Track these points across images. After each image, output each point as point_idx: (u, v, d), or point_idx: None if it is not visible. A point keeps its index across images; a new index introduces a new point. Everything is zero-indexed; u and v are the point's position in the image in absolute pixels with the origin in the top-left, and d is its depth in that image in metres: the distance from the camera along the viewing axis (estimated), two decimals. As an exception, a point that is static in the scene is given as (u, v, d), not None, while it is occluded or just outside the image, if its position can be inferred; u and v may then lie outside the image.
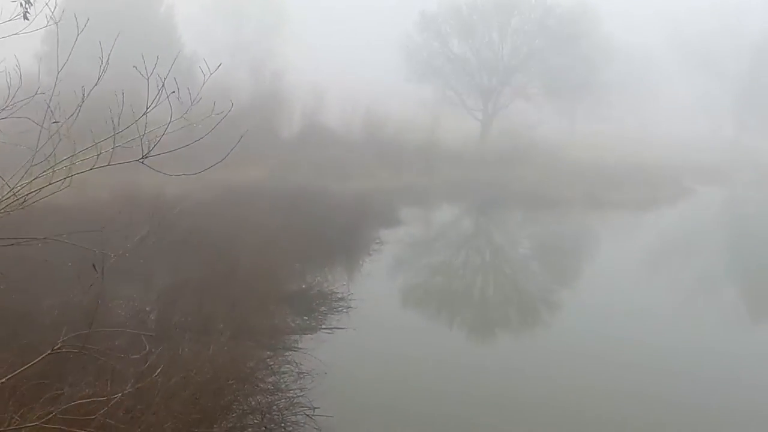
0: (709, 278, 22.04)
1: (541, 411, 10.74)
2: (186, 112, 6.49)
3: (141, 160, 6.13)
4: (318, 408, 9.60)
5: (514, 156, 38.10)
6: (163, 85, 6.10)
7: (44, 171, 6.13)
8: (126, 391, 7.09)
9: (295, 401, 9.68)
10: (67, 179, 6.05)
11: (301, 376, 10.92)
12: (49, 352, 6.15)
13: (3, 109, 6.41)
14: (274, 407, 9.49)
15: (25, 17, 8.43)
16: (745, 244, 28.88)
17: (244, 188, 26.52)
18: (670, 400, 11.27)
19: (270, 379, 10.76)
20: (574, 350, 13.46)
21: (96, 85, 6.37)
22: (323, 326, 13.56)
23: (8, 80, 6.85)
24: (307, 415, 9.50)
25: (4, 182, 6.08)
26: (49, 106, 6.22)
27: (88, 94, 6.20)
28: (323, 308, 14.58)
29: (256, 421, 9.23)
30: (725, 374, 12.65)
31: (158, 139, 6.21)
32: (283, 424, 9.25)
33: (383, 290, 17.11)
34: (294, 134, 35.87)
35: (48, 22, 7.05)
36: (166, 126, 6.33)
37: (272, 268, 15.61)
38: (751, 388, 12.02)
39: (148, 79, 6.32)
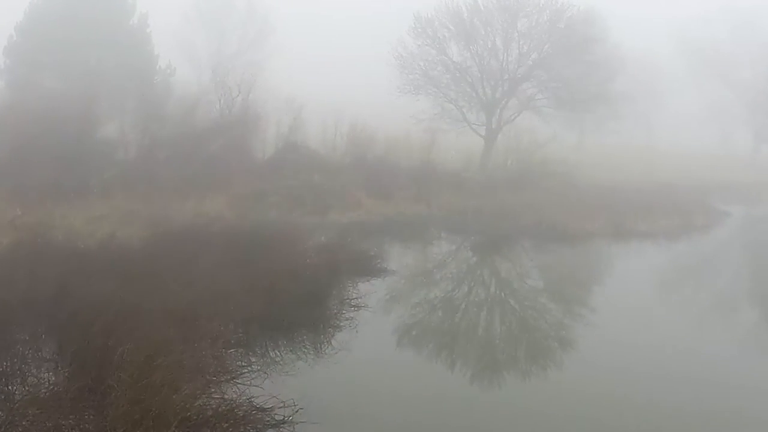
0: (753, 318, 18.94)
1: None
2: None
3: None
4: None
5: (523, 178, 32.93)
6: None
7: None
8: None
9: None
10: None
11: None
12: None
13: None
14: None
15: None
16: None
17: (195, 226, 21.45)
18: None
19: None
20: None
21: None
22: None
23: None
24: None
25: None
26: None
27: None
28: (252, 444, 9.43)
29: None
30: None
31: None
32: None
33: (349, 398, 11.82)
34: (268, 156, 30.84)
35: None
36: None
37: (184, 370, 10.47)
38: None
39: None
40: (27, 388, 10.42)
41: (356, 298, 16.38)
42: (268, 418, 9.89)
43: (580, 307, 18.97)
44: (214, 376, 11.13)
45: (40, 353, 11.64)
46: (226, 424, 9.58)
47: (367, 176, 29.91)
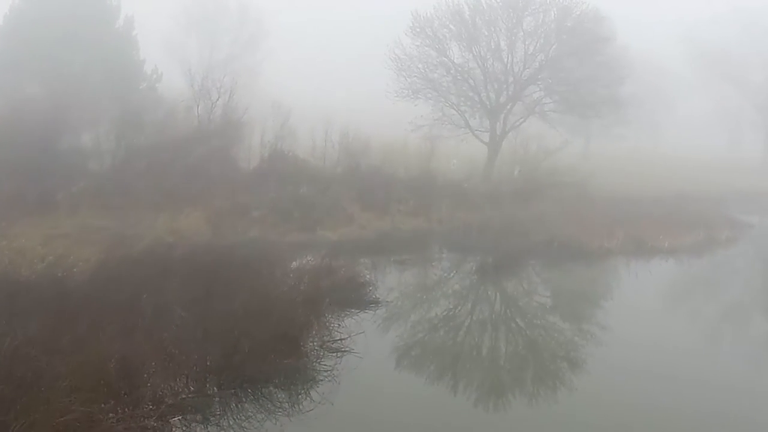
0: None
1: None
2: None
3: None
4: None
5: (530, 189, 30.30)
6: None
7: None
8: None
9: None
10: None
11: None
12: None
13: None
14: None
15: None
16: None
17: (161, 247, 18.90)
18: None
19: None
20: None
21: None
22: None
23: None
24: None
25: None
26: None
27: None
28: None
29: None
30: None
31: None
32: None
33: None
34: (252, 166, 28.33)
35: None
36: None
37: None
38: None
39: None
40: None
41: (340, 339, 13.72)
42: None
43: (599, 329, 16.43)
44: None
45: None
46: None
47: (360, 188, 27.40)
